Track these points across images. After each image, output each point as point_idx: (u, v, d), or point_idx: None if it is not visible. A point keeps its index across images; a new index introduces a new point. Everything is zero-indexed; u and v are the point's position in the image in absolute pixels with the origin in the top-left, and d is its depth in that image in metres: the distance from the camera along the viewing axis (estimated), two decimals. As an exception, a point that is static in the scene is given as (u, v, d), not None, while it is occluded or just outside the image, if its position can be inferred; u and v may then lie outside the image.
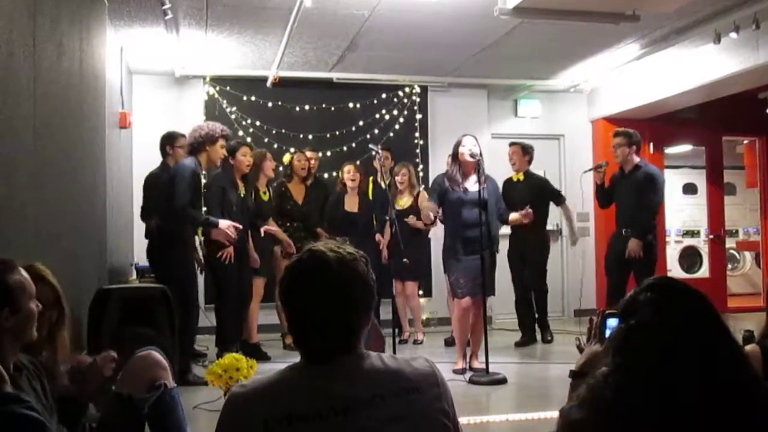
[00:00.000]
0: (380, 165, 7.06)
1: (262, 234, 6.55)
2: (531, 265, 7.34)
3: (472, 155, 5.63)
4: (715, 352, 1.52)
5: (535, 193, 7.15)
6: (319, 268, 1.70)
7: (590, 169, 7.03)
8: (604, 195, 6.89)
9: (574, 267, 9.20)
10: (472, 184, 5.70)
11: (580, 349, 2.03)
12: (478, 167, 5.58)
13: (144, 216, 6.47)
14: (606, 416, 1.50)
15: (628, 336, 1.57)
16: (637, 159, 6.62)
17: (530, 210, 5.91)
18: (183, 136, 6.34)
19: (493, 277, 5.74)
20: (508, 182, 7.36)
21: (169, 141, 6.37)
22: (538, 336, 7.40)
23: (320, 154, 8.15)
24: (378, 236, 7.27)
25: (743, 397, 1.48)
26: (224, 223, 5.71)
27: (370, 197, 7.52)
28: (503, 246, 7.30)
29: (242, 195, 6.33)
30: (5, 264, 2.14)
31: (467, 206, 5.65)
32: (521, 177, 7.37)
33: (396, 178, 7.43)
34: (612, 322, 1.87)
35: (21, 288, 2.12)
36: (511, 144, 7.57)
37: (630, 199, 6.54)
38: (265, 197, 6.70)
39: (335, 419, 1.62)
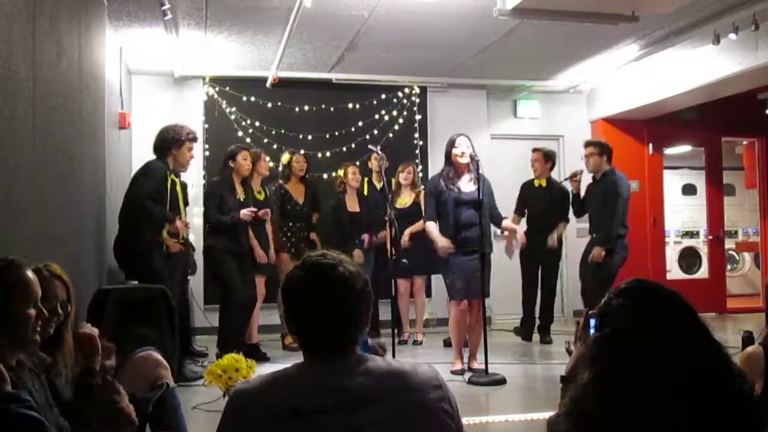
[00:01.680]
0: (380, 165, 7.08)
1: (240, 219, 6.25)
2: (545, 267, 7.43)
3: (465, 155, 5.65)
4: (692, 354, 1.51)
5: (554, 201, 7.28)
6: (328, 282, 1.79)
7: (566, 179, 7.10)
8: (577, 204, 6.98)
9: (573, 268, 9.18)
10: (466, 184, 5.70)
11: (569, 352, 2.03)
12: (477, 167, 5.58)
13: None
14: (589, 427, 1.49)
15: (603, 344, 1.56)
16: (607, 167, 6.70)
17: (524, 241, 6.11)
18: None
19: (488, 279, 5.73)
20: (529, 185, 7.56)
21: None
22: (535, 337, 7.46)
23: (320, 155, 8.19)
24: (365, 236, 7.24)
25: (726, 399, 1.47)
26: (178, 223, 5.64)
27: (367, 196, 7.60)
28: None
29: (241, 199, 6.33)
30: (8, 262, 2.13)
31: (462, 207, 5.65)
32: (543, 183, 7.51)
33: (400, 175, 7.52)
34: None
35: (19, 288, 2.10)
36: (535, 150, 7.65)
37: (598, 206, 6.66)
38: (260, 197, 6.69)
39: (340, 414, 1.66)
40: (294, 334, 1.85)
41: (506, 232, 6.38)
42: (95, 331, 2.47)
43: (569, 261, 9.22)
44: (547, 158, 7.52)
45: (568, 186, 7.07)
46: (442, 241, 5.63)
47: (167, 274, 5.46)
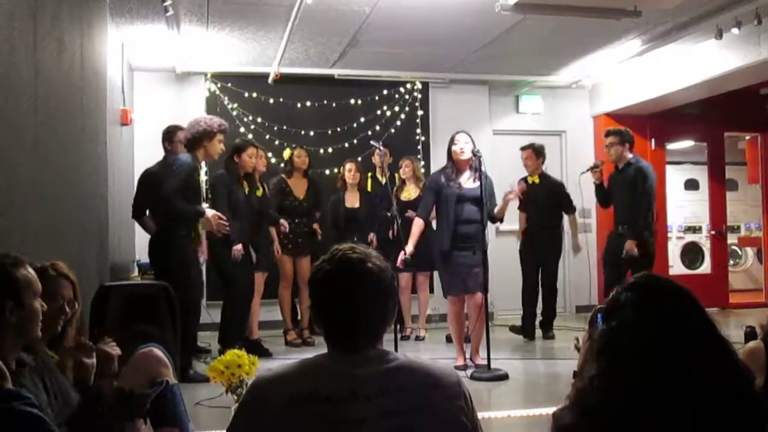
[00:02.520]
0: (381, 161, 7.09)
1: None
2: (545, 264, 7.40)
3: (464, 151, 5.65)
4: (697, 350, 1.51)
5: (551, 196, 7.27)
6: (356, 277, 1.81)
7: (587, 170, 7.05)
8: (602, 195, 6.88)
9: (576, 263, 9.19)
10: (466, 180, 5.71)
11: (578, 349, 2.02)
12: (479, 163, 5.59)
13: (135, 213, 6.45)
14: (594, 420, 1.50)
15: (609, 338, 1.56)
16: (629, 156, 6.60)
17: (517, 189, 6.05)
18: (181, 128, 6.34)
19: (486, 274, 5.72)
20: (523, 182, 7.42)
21: (167, 137, 6.37)
22: (537, 333, 7.44)
23: (322, 151, 8.18)
24: (371, 235, 7.29)
25: (727, 394, 1.47)
26: (210, 212, 5.70)
27: (370, 192, 7.59)
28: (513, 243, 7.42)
29: (246, 192, 6.35)
30: (13, 259, 2.14)
31: (462, 202, 5.66)
32: (536, 179, 7.44)
33: (400, 171, 7.50)
34: None
35: (27, 284, 2.12)
36: (524, 148, 7.60)
37: (624, 196, 6.54)
38: (258, 192, 6.69)
39: (357, 403, 1.70)
40: (319, 325, 1.89)
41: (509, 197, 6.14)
42: (116, 351, 2.47)
43: (572, 257, 9.23)
44: (538, 154, 7.48)
45: (590, 177, 6.97)
46: (408, 248, 5.75)
47: (195, 272, 5.58)
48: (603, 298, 6.88)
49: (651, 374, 1.47)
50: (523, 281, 7.50)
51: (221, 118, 5.94)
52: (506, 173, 7.50)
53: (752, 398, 1.50)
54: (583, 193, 7.79)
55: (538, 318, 7.53)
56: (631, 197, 6.44)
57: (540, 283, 7.49)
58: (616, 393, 1.48)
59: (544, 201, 7.32)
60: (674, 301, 1.57)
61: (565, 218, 7.68)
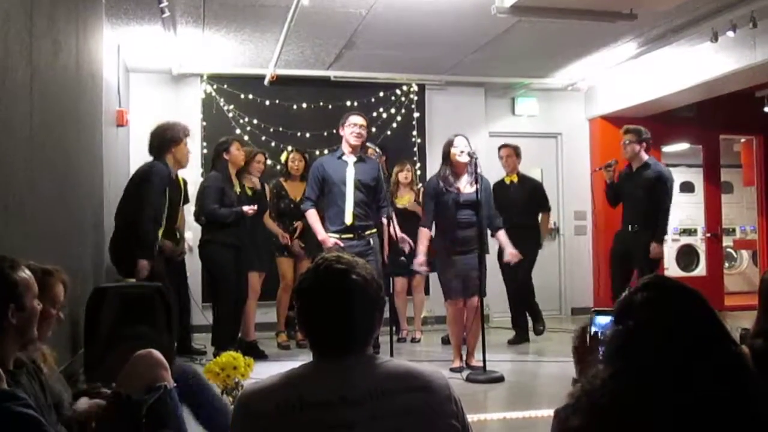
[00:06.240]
0: (380, 164, 7.09)
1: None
2: (520, 263, 7.26)
3: (464, 155, 5.65)
4: (711, 352, 1.51)
5: (529, 196, 7.22)
6: (340, 287, 1.81)
7: (600, 168, 6.97)
8: (613, 194, 6.80)
9: (571, 265, 9.22)
10: (464, 185, 5.72)
11: (576, 349, 2.00)
12: (475, 166, 5.60)
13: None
14: (604, 422, 1.49)
15: (624, 339, 1.56)
16: (645, 157, 6.51)
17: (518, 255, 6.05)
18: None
19: (485, 278, 5.72)
20: (501, 184, 7.28)
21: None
22: (531, 335, 7.40)
23: (318, 152, 8.17)
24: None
25: (739, 397, 1.48)
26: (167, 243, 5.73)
27: None
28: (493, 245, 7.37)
29: (237, 191, 6.33)
30: (11, 261, 2.14)
31: (461, 207, 5.67)
32: (515, 179, 7.36)
33: (400, 175, 7.47)
34: (601, 320, 1.88)
35: (26, 285, 2.13)
36: (504, 146, 7.52)
37: (638, 197, 6.45)
38: (249, 192, 6.64)
39: (346, 408, 1.70)
40: (304, 334, 1.90)
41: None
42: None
43: (566, 258, 9.26)
44: (518, 154, 7.46)
45: (604, 175, 6.87)
46: (421, 257, 5.82)
47: (164, 273, 5.48)
48: (607, 300, 6.82)
49: (666, 375, 1.48)
50: (505, 285, 7.39)
51: (184, 123, 5.82)
52: (501, 175, 7.49)
53: (764, 403, 1.50)
54: (582, 194, 7.78)
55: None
56: (646, 199, 6.37)
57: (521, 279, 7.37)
58: (629, 394, 1.48)
59: (522, 201, 7.22)
60: (689, 303, 1.57)
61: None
